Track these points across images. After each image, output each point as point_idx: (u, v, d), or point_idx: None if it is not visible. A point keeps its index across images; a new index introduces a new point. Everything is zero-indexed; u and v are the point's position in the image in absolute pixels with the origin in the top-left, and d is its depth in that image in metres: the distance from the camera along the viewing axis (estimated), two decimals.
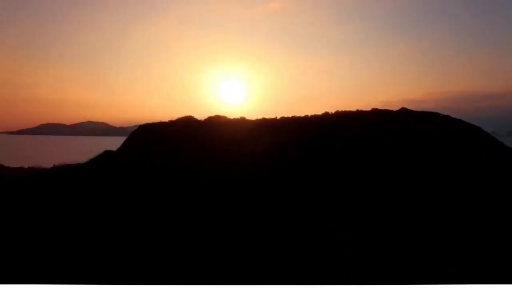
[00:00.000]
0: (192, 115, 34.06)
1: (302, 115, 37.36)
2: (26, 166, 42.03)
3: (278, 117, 35.01)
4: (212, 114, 34.08)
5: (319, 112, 35.28)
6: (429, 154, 26.28)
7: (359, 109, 43.39)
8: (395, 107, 39.63)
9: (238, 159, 27.07)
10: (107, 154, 29.43)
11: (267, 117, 34.01)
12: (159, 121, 34.10)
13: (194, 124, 33.05)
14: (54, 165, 31.07)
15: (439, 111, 39.06)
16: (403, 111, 45.81)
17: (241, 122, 33.40)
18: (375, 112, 44.19)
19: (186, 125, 32.53)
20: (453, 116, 41.42)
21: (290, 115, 34.68)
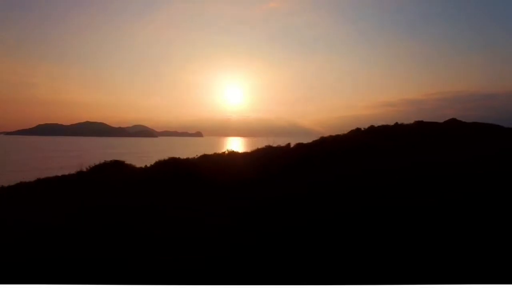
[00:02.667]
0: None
1: (326, 134, 21.81)
2: None
3: (292, 144, 18.72)
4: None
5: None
6: None
7: (399, 122, 30.13)
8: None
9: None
10: None
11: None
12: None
13: (126, 175, 15.14)
14: None
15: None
16: (452, 122, 32.50)
17: (225, 164, 16.14)
18: (420, 125, 30.25)
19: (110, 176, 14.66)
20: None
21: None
